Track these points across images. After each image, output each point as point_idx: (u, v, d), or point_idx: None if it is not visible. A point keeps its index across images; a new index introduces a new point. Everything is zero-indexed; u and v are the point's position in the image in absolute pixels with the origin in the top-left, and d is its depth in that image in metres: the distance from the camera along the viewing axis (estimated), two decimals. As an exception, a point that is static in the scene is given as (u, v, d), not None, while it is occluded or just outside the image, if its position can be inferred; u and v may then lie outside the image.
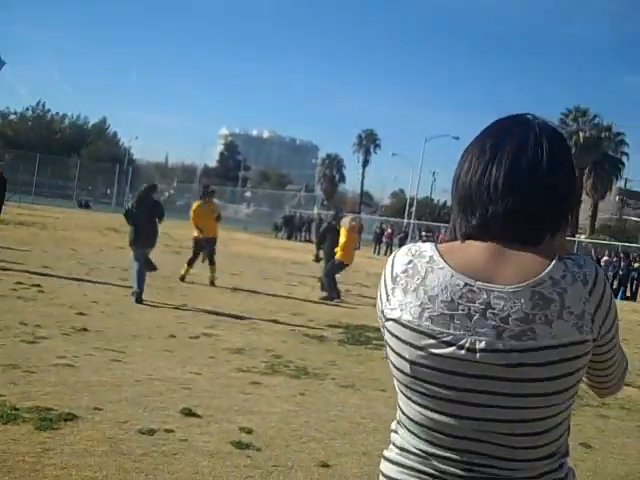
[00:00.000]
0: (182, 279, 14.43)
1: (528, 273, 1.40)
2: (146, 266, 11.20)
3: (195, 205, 14.95)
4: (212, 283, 14.57)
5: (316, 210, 58.83)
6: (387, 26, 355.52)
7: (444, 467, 1.44)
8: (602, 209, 70.78)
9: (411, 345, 1.42)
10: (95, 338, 7.98)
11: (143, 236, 11.19)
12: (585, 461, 5.70)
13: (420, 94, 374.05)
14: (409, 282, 1.46)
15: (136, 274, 11.09)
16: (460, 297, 1.41)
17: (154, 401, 5.84)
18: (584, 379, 1.56)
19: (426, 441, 1.46)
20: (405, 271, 1.47)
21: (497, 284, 1.40)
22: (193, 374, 6.94)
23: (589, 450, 6.01)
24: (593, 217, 63.53)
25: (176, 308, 10.94)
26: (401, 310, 1.45)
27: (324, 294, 14.87)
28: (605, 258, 28.66)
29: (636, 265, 27.36)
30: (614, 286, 27.42)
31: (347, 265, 15.10)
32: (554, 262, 1.41)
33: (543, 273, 1.40)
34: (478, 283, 1.41)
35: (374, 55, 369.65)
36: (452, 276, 1.43)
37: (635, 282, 27.32)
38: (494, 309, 1.39)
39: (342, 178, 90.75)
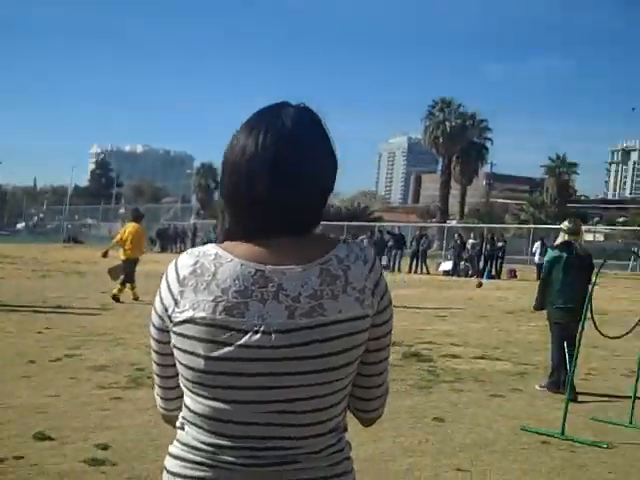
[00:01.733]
0: (117, 299, 14.88)
1: (316, 254, 1.48)
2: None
3: (135, 227, 15.66)
4: (136, 298, 15.10)
5: (192, 220, 58.23)
6: (261, 27, 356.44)
7: (229, 458, 1.47)
8: (471, 194, 73.44)
9: (207, 341, 1.44)
10: (-53, 373, 7.67)
11: None
12: (436, 434, 5.97)
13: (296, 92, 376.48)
14: (199, 281, 1.46)
15: None
16: (252, 284, 1.44)
17: (6, 429, 5.69)
18: (349, 404, 1.61)
19: (214, 433, 1.49)
20: (193, 272, 1.47)
21: (288, 265, 1.46)
22: (51, 397, 6.78)
23: (441, 423, 6.29)
24: (462, 202, 65.83)
25: (39, 332, 10.62)
26: (194, 309, 1.45)
27: None
28: (471, 241, 29.76)
29: (499, 244, 28.54)
30: (480, 266, 28.53)
31: None
32: (339, 244, 1.52)
33: (330, 253, 1.49)
34: (269, 267, 1.45)
35: (244, 62, 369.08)
36: (242, 265, 1.46)
37: (499, 260, 28.49)
38: (286, 290, 1.44)
39: (217, 186, 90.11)
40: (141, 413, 6.33)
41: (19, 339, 10.02)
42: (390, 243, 31.19)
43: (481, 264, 28.57)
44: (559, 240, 7.81)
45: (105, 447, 5.33)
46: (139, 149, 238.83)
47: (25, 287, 17.64)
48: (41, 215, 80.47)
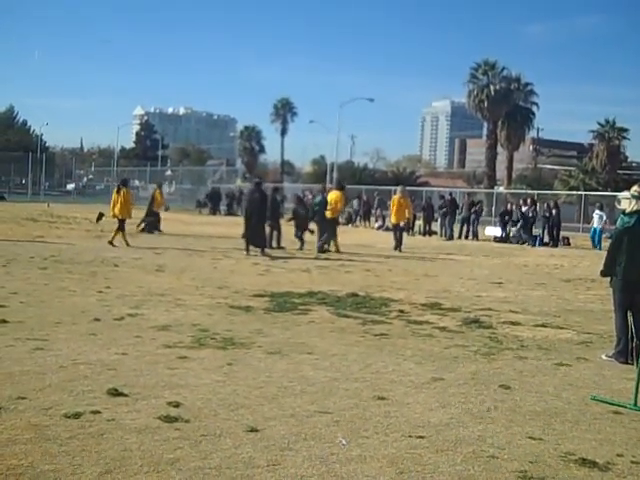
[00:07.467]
0: None
1: None
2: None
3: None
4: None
5: (238, 183, 58.47)
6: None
7: None
8: (518, 159, 72.31)
9: None
10: (16, 329, 7.83)
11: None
12: (505, 401, 5.91)
13: (330, 61, 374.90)
14: None
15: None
16: None
17: (79, 385, 5.80)
18: None
19: None
20: None
21: None
22: (119, 355, 6.90)
23: (508, 391, 6.23)
24: (509, 167, 64.80)
25: (99, 292, 10.79)
26: None
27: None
28: (524, 208, 29.14)
29: (554, 212, 27.84)
30: (533, 233, 28.01)
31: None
32: None
33: None
34: None
35: (282, 24, 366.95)
36: None
37: (555, 228, 27.83)
38: None
39: (262, 149, 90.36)
40: (208, 373, 6.40)
41: (82, 298, 10.19)
42: (444, 209, 30.70)
43: (535, 231, 28.11)
44: (631, 207, 7.55)
45: (177, 405, 5.40)
46: (181, 111, 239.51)
47: (81, 247, 17.91)
48: (90, 176, 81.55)
